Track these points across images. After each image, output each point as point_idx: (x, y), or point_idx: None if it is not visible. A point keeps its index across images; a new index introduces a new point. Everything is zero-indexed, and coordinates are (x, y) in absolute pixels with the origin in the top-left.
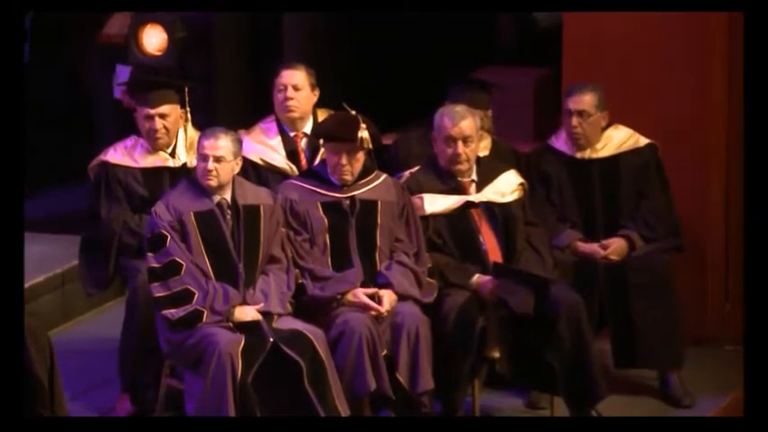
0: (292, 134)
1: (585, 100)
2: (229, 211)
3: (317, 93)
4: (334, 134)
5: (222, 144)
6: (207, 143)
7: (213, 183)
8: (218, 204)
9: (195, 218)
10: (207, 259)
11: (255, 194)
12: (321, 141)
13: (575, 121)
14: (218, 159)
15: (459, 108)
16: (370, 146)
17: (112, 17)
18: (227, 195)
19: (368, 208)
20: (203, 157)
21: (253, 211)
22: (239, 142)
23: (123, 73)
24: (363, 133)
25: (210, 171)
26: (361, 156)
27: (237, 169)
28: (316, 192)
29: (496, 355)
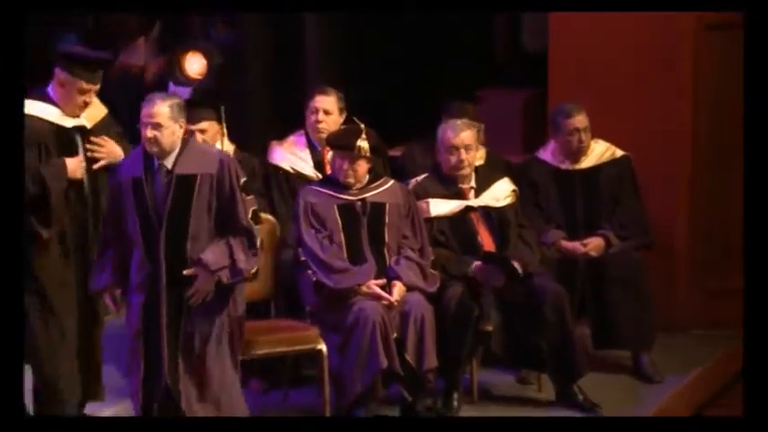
0: (320, 148)
1: (585, 118)
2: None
3: (344, 115)
4: (336, 143)
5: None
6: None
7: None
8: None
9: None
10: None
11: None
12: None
13: (583, 136)
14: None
15: (460, 122)
16: (368, 154)
17: (131, 46)
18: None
19: (377, 209)
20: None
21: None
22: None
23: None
24: (363, 143)
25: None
26: (362, 163)
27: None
28: (332, 195)
29: (490, 328)
